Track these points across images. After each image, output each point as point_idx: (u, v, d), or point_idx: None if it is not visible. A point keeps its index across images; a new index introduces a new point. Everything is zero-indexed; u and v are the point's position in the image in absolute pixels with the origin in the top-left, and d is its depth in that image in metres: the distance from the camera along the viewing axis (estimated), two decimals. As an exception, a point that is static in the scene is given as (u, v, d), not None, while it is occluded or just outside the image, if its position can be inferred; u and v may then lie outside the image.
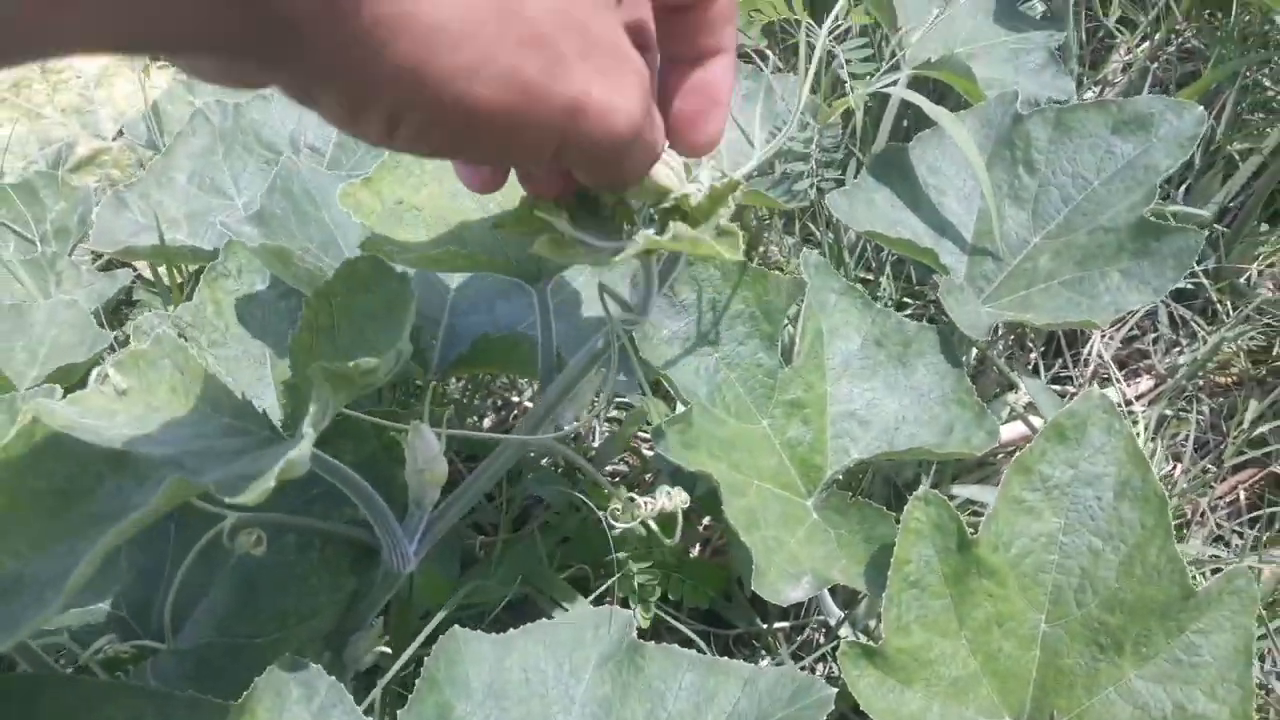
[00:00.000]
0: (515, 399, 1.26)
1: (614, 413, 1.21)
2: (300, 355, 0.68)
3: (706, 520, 1.07)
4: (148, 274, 1.31)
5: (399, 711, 0.66)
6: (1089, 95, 1.46)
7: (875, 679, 0.74)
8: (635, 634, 0.72)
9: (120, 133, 1.47)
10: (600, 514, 0.92)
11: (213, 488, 0.52)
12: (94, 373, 0.65)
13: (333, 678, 0.66)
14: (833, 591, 1.01)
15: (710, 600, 0.94)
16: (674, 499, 0.82)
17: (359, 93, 0.40)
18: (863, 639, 0.94)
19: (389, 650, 0.81)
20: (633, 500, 0.78)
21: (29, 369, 0.97)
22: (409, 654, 0.79)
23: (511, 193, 0.64)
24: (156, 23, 0.36)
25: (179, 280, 1.22)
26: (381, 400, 1.08)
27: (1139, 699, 0.75)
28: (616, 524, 0.76)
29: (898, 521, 0.81)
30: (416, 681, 0.69)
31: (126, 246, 1.05)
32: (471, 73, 0.39)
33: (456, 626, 0.71)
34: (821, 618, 1.03)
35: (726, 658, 0.71)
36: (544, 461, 1.07)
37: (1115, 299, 0.94)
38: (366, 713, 0.79)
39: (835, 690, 0.68)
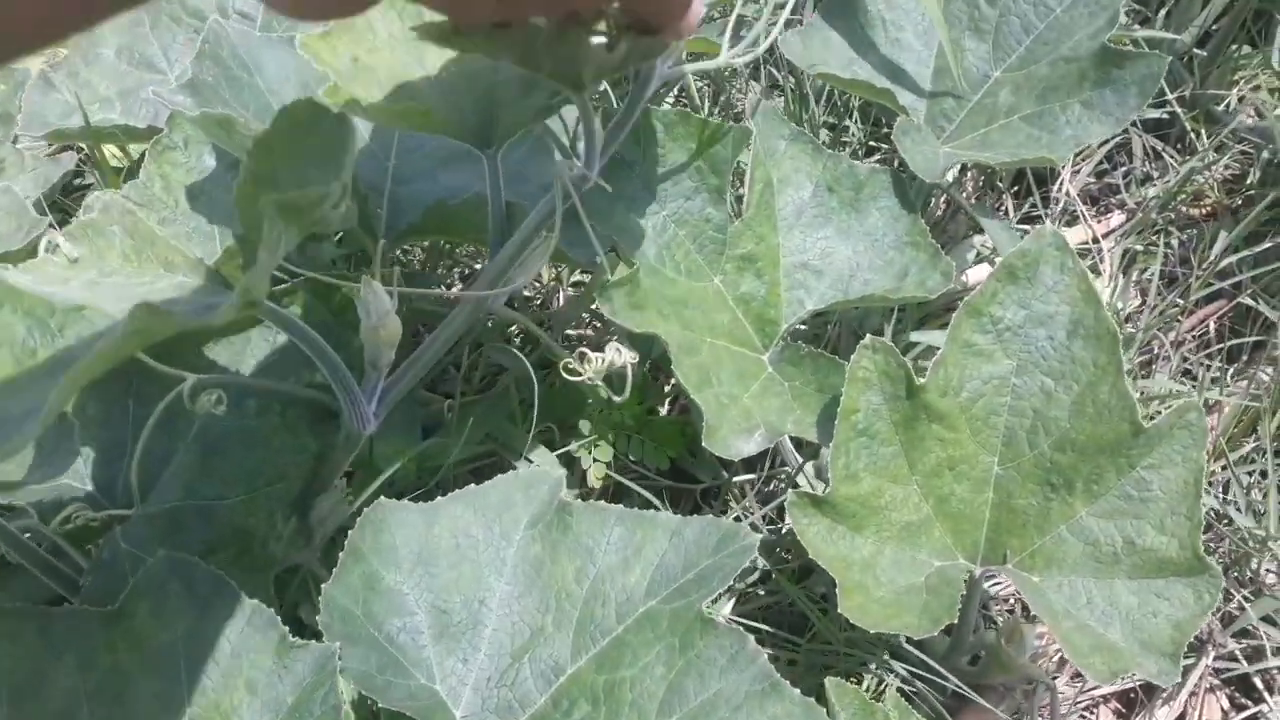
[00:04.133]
0: (479, 265, 1.24)
1: (578, 276, 1.19)
2: (245, 205, 0.65)
3: (673, 381, 1.07)
4: (97, 155, 1.27)
5: (324, 585, 0.67)
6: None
7: (824, 527, 0.75)
8: (564, 493, 0.71)
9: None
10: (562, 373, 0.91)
11: (177, 315, 0.51)
12: (43, 243, 0.64)
13: (212, 567, 0.65)
14: (797, 443, 1.01)
15: (672, 459, 0.94)
16: (623, 355, 0.81)
17: None
18: (820, 486, 0.94)
19: (355, 511, 0.81)
20: (584, 356, 0.77)
21: (-34, 260, 0.95)
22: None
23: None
24: None
25: (124, 162, 1.19)
26: (335, 267, 1.07)
27: (1090, 535, 0.75)
28: (572, 378, 0.75)
29: (851, 371, 0.80)
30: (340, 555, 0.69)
31: (56, 129, 1.01)
32: None
33: (382, 498, 0.71)
34: (787, 469, 1.03)
35: (659, 511, 0.71)
36: (499, 327, 1.06)
37: (1076, 132, 0.91)
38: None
39: (759, 536, 0.68)
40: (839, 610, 0.70)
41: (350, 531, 0.68)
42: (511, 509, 0.69)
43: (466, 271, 1.25)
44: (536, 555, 0.68)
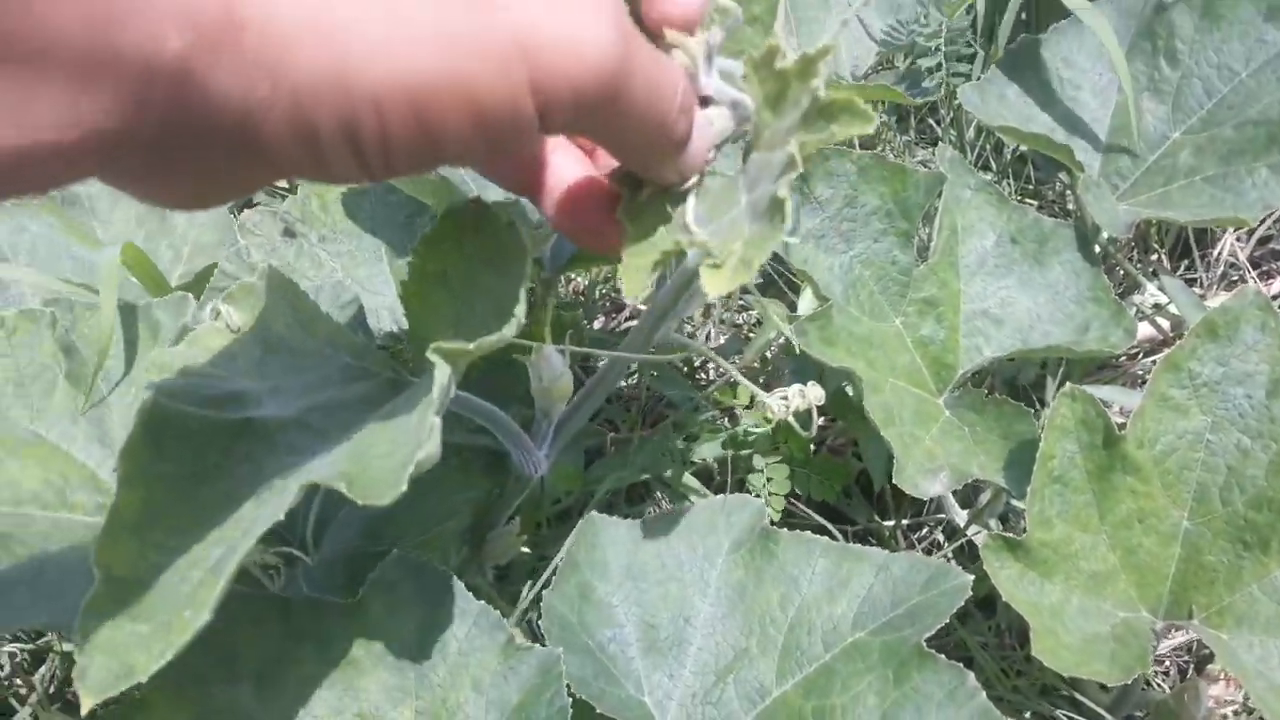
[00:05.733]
0: (629, 300, 1.26)
1: (725, 313, 1.21)
2: (414, 305, 0.66)
3: (821, 420, 1.08)
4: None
5: (544, 591, 0.69)
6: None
7: (1017, 571, 0.75)
8: (767, 522, 0.73)
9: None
10: (726, 410, 0.93)
11: (344, 488, 0.49)
12: (208, 309, 0.65)
13: (442, 568, 0.67)
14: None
15: (835, 496, 0.95)
16: (808, 396, 0.83)
17: (294, 128, 0.34)
18: (973, 531, 0.95)
19: (527, 550, 0.84)
20: (756, 397, 0.79)
21: (174, 267, 1.00)
22: (558, 555, 0.81)
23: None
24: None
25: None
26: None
27: (1284, 596, 0.75)
28: (754, 427, 0.77)
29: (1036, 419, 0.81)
30: (558, 564, 0.71)
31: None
32: (389, 47, 0.34)
33: (595, 512, 0.73)
34: (941, 515, 1.04)
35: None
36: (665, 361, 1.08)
37: (1264, 195, 0.91)
38: (511, 603, 0.83)
39: (972, 578, 0.68)
40: (1032, 653, 0.71)
41: (567, 542, 0.70)
42: (714, 533, 0.71)
43: (609, 304, 1.28)
44: (739, 580, 0.70)
